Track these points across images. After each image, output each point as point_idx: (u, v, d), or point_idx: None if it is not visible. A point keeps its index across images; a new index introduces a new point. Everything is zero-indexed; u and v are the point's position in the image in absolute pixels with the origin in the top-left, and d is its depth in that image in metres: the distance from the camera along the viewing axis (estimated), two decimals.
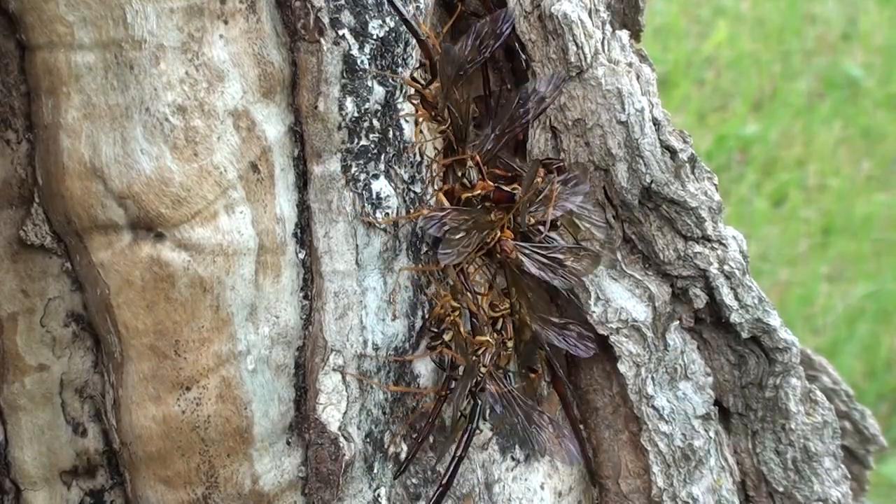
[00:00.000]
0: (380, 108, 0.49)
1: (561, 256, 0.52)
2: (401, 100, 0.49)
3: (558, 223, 0.55)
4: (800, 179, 1.58)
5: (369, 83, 0.48)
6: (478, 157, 0.51)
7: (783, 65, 1.75)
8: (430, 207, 0.51)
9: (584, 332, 0.54)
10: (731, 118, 1.66)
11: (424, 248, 0.53)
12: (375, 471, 0.51)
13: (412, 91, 0.49)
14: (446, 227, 0.47)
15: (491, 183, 0.51)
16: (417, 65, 0.50)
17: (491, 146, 0.52)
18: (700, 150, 1.54)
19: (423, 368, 0.53)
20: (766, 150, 1.62)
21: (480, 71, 0.54)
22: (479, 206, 0.51)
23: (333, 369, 0.49)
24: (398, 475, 0.51)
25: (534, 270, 0.51)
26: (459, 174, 0.50)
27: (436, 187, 0.52)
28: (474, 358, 0.50)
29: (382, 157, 0.49)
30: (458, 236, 0.47)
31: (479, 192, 0.51)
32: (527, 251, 0.51)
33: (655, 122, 0.54)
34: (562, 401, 0.56)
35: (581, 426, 0.58)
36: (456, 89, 0.49)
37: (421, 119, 0.50)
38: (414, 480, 0.53)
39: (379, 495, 0.51)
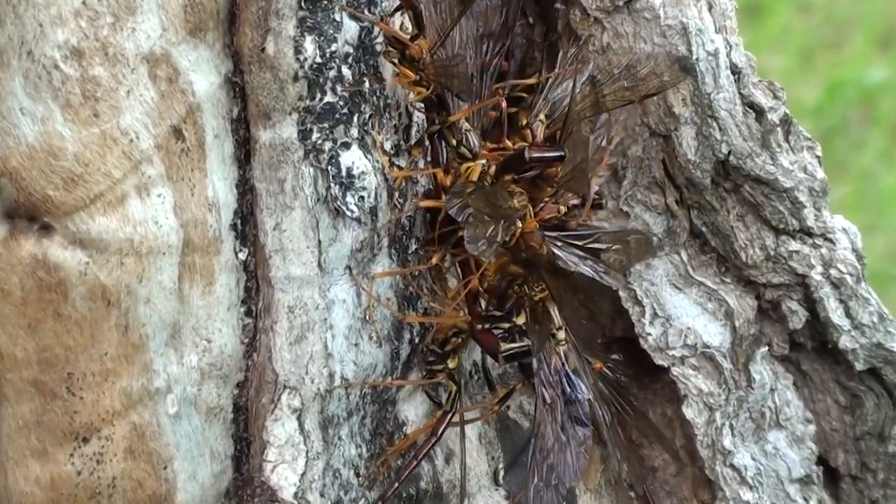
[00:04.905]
0: (352, 50, 0.50)
1: (601, 245, 0.53)
2: (380, 39, 0.50)
3: (604, 201, 0.56)
4: None
5: (337, 16, 0.49)
6: (503, 103, 0.52)
7: None
8: (423, 198, 0.52)
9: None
10: (849, 59, 1.66)
11: (414, 246, 0.54)
12: None
13: (388, 45, 0.49)
14: (470, 212, 0.48)
15: (509, 143, 0.52)
16: (398, 4, 0.50)
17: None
18: (803, 106, 1.53)
19: (413, 413, 0.54)
20: None
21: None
22: (492, 185, 0.51)
23: (288, 413, 0.50)
24: None
25: (573, 267, 0.52)
26: (454, 142, 0.51)
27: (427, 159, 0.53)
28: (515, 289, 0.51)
29: (356, 118, 0.50)
30: (483, 222, 0.48)
31: (485, 161, 0.51)
32: (559, 243, 0.52)
33: (735, 70, 0.54)
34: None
35: (631, 494, 0.59)
36: (454, 35, 0.50)
37: (398, 82, 0.50)
38: None
39: None
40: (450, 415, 0.53)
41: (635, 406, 0.55)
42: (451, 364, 0.53)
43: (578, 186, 0.54)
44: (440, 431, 0.52)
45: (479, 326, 0.52)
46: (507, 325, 0.52)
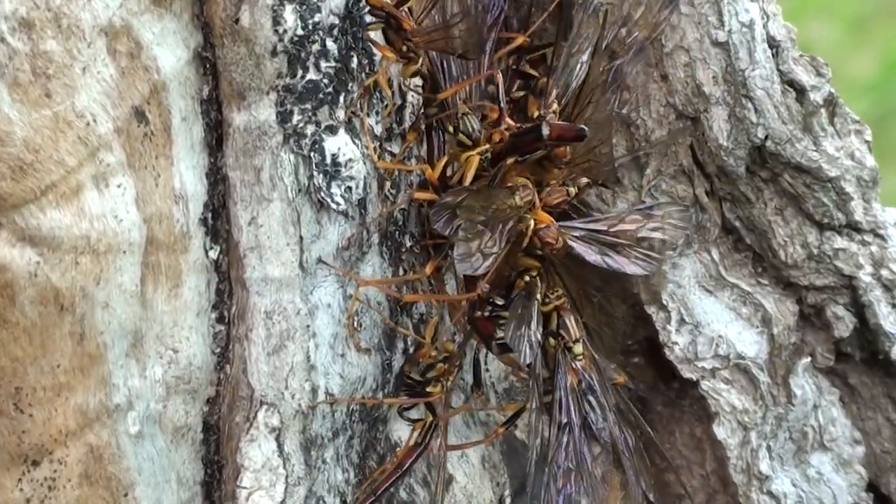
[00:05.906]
0: (338, 21, 0.49)
1: (632, 226, 0.52)
2: (369, 9, 0.50)
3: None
4: None
5: None
6: (498, 77, 0.51)
7: None
8: (418, 189, 0.52)
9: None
10: None
11: (409, 242, 0.54)
12: None
13: (372, 14, 0.49)
14: (459, 224, 0.47)
15: (511, 122, 0.51)
16: None
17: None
18: (856, 84, 1.53)
19: (407, 433, 0.54)
20: None
21: None
22: (495, 176, 0.51)
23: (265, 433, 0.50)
24: None
25: (595, 258, 0.51)
26: (451, 128, 0.51)
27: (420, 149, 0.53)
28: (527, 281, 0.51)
29: (342, 99, 0.50)
30: (476, 233, 0.47)
31: (491, 144, 0.51)
32: (578, 233, 0.51)
33: (773, 44, 0.54)
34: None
35: None
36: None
37: (385, 60, 0.50)
38: None
39: None
40: (420, 448, 0.52)
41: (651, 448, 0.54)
42: (433, 391, 0.52)
43: (598, 171, 0.54)
44: (407, 465, 0.52)
45: (479, 314, 0.52)
46: None
